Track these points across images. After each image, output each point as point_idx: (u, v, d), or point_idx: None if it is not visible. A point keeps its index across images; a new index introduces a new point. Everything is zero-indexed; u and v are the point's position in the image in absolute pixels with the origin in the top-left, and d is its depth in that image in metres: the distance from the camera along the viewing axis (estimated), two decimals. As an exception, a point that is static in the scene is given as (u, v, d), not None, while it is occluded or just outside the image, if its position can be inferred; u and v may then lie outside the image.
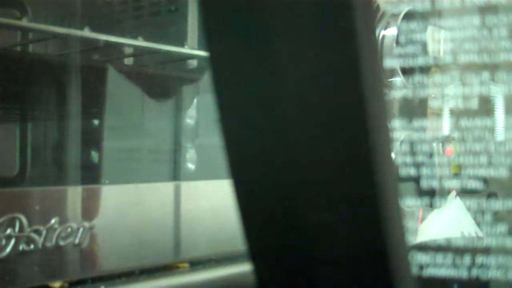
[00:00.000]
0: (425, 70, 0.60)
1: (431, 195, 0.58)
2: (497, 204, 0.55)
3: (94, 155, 0.81)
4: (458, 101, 0.57)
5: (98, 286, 0.55)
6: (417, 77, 0.60)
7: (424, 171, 0.58)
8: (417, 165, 0.58)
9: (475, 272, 0.55)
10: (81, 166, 0.67)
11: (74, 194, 0.55)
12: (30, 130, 0.87)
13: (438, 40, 0.59)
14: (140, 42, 0.70)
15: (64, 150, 0.76)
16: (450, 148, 0.59)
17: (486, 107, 0.57)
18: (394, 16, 0.63)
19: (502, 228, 0.55)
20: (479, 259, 0.55)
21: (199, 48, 0.75)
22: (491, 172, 0.55)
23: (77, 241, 0.53)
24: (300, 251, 0.21)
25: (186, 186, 0.66)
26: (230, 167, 0.21)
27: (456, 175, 0.57)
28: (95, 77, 0.69)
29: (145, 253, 0.60)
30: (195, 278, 0.62)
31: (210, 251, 0.66)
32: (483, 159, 0.55)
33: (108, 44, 0.66)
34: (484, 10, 0.54)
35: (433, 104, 0.60)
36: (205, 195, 0.67)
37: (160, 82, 0.80)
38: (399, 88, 0.61)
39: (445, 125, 0.60)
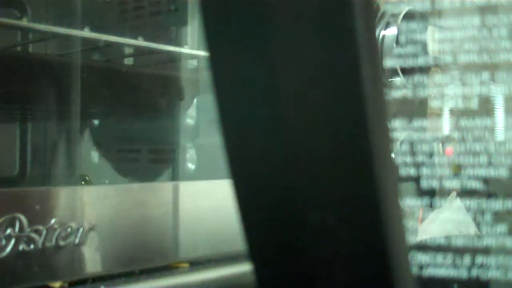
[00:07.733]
0: (425, 70, 0.59)
1: (431, 195, 0.58)
2: (497, 204, 0.55)
3: (94, 155, 0.81)
4: (458, 101, 0.57)
5: (98, 286, 0.54)
6: (417, 77, 0.60)
7: (424, 171, 0.58)
8: (417, 165, 0.58)
9: (475, 272, 0.55)
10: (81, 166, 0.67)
11: (73, 194, 0.55)
12: (30, 130, 0.87)
13: (438, 40, 0.58)
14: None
15: (63, 150, 0.76)
16: (450, 148, 0.58)
17: (486, 107, 0.57)
18: (394, 16, 0.63)
19: (502, 228, 0.54)
20: (479, 259, 0.55)
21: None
22: (491, 172, 0.55)
23: (77, 241, 0.53)
24: (300, 251, 0.21)
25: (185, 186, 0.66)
26: (230, 167, 0.21)
27: (456, 175, 0.57)
28: (95, 77, 0.69)
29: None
30: (195, 278, 0.62)
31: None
32: (483, 159, 0.55)
33: (108, 44, 0.66)
34: (484, 10, 0.54)
35: (433, 104, 0.60)
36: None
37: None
38: (399, 88, 0.60)
39: (445, 125, 0.60)
